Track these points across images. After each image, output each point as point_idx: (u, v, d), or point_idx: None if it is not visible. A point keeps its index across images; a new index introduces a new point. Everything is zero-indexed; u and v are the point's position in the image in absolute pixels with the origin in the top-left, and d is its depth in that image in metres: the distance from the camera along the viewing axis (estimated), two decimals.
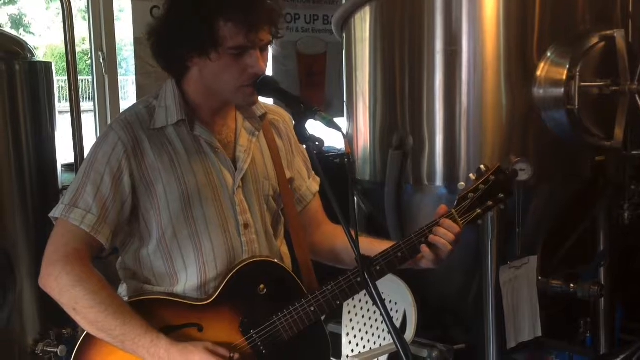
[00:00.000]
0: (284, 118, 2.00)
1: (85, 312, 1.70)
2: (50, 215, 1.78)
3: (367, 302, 2.96)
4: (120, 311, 1.71)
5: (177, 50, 1.73)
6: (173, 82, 1.82)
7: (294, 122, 1.70)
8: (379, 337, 2.91)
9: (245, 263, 1.82)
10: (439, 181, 2.90)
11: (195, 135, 1.81)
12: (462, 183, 1.85)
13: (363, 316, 3.01)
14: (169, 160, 1.78)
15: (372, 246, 1.85)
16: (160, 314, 1.78)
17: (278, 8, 1.74)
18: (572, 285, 2.85)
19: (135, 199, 1.78)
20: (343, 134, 1.61)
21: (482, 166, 1.84)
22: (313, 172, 2.04)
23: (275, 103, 2.12)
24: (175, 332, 1.75)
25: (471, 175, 1.85)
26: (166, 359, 1.69)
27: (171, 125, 1.79)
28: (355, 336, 3.02)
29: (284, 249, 1.98)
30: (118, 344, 1.71)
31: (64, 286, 1.70)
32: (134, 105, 1.87)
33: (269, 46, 1.78)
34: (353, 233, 1.57)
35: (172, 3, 1.73)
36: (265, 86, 1.76)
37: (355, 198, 3.35)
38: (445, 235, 1.79)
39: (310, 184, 2.03)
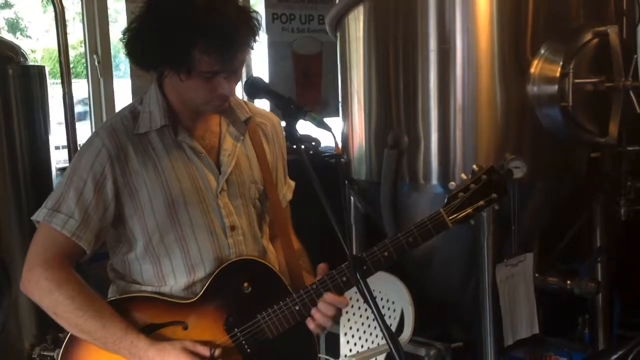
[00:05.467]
0: (272, 121, 2.00)
1: (66, 316, 1.73)
2: (33, 218, 1.79)
3: (364, 302, 2.96)
4: (99, 314, 1.73)
5: (149, 61, 1.74)
6: (156, 87, 1.83)
7: (284, 123, 1.70)
8: (376, 336, 2.91)
9: (230, 262, 1.83)
10: (434, 179, 2.89)
11: (178, 140, 1.82)
12: (453, 183, 1.86)
13: (361, 316, 3.01)
14: (153, 166, 1.79)
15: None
16: (146, 312, 1.80)
17: (255, 30, 1.71)
18: (568, 282, 2.84)
19: (119, 205, 1.79)
20: (333, 134, 1.62)
21: (475, 166, 1.85)
22: (287, 178, 2.06)
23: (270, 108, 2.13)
24: (159, 330, 1.78)
25: (463, 175, 1.85)
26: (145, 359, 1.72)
27: (154, 130, 1.80)
28: (353, 336, 3.02)
29: (271, 249, 1.99)
30: (101, 345, 1.75)
31: (44, 291, 1.73)
32: (120, 111, 1.89)
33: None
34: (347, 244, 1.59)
35: (150, 17, 1.71)
36: (255, 88, 1.77)
37: (352, 197, 3.34)
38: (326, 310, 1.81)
39: (286, 192, 2.05)
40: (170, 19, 1.66)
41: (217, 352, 1.77)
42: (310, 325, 1.82)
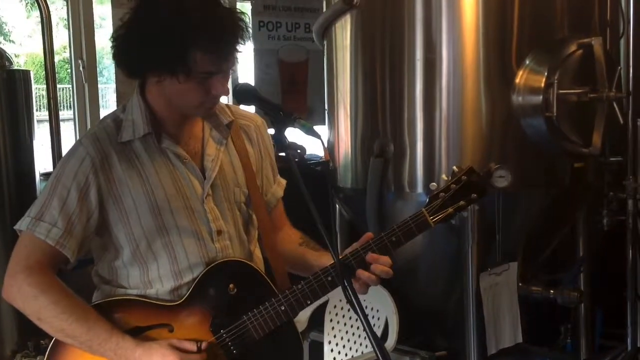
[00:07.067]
0: (256, 122, 2.00)
1: (51, 321, 1.73)
2: (16, 227, 1.78)
3: (348, 310, 2.96)
4: (84, 317, 1.73)
5: (144, 65, 1.73)
6: (138, 96, 1.82)
7: (272, 130, 1.71)
8: (360, 344, 2.91)
9: (215, 264, 1.84)
10: (419, 188, 2.91)
11: (162, 147, 1.82)
12: (434, 184, 1.88)
13: (345, 324, 3.00)
14: (137, 173, 1.79)
15: (309, 259, 1.92)
16: (131, 315, 1.80)
17: (246, 30, 1.72)
18: (552, 291, 2.87)
19: (104, 213, 1.79)
20: (322, 141, 1.62)
21: (455, 167, 1.87)
22: (278, 176, 2.06)
23: (255, 111, 2.13)
24: (145, 333, 1.78)
25: (444, 176, 1.88)
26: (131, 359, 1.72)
27: (138, 138, 1.80)
28: (337, 344, 3.01)
29: (258, 252, 2.00)
30: (86, 348, 1.74)
31: (27, 297, 1.73)
32: (103, 119, 1.89)
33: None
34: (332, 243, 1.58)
35: (141, 21, 1.70)
36: (245, 94, 1.78)
37: (337, 205, 3.35)
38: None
39: (275, 189, 2.05)
40: (166, 21, 1.65)
41: (204, 345, 1.77)
42: (355, 285, 1.78)
